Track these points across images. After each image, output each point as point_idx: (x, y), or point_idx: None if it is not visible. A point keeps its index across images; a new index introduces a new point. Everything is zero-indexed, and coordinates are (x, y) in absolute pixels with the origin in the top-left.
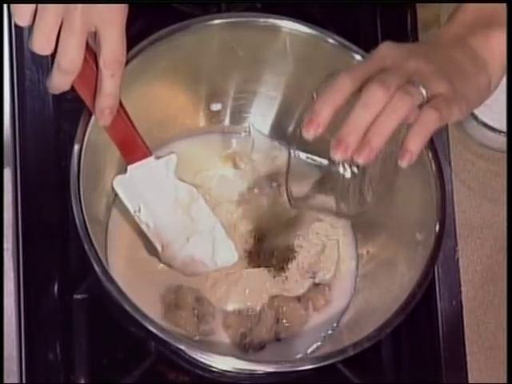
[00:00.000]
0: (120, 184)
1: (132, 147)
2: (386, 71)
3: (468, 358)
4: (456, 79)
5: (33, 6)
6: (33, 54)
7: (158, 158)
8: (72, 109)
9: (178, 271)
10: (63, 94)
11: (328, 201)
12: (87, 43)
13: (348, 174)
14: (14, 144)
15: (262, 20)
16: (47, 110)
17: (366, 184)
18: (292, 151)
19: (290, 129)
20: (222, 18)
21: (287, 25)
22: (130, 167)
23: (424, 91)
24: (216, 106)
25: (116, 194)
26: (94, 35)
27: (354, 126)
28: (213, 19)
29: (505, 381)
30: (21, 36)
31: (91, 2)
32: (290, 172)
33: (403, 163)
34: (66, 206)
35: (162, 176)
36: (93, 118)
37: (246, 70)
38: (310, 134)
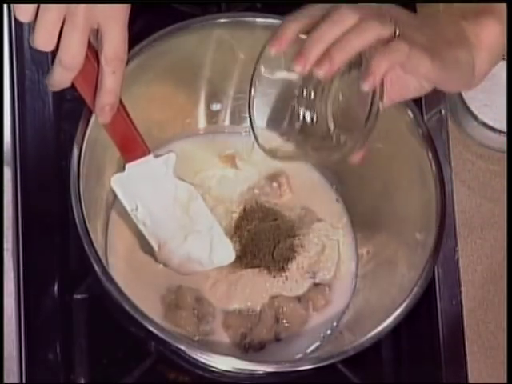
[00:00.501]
0: (118, 182)
1: (131, 145)
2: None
3: (468, 358)
4: (436, 40)
5: None
6: (33, 54)
7: (156, 156)
8: (72, 109)
9: (174, 270)
10: (63, 94)
11: (294, 147)
12: (89, 40)
13: (308, 118)
14: (13, 144)
15: (261, 20)
16: (47, 110)
17: (330, 129)
18: (253, 90)
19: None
20: (221, 18)
21: None
22: (128, 165)
23: (397, 30)
24: (216, 106)
25: (115, 194)
26: (96, 33)
27: (317, 40)
28: (213, 19)
29: (505, 381)
30: (21, 36)
31: (91, 3)
32: (253, 118)
33: (364, 86)
34: (66, 205)
35: (160, 174)
36: (93, 117)
37: (246, 70)
38: (274, 48)
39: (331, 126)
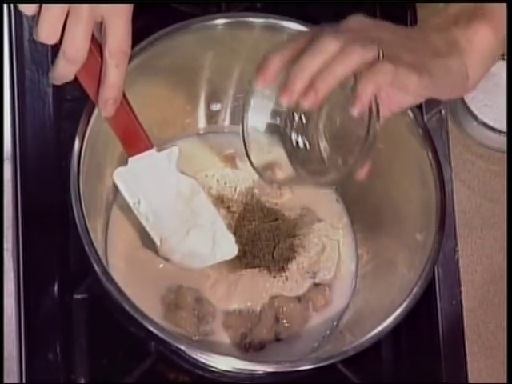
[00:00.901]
0: (120, 176)
1: (134, 139)
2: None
3: (468, 358)
4: (423, 54)
5: None
6: (33, 54)
7: (159, 150)
8: (72, 109)
9: (176, 265)
10: (63, 94)
11: (291, 172)
12: (92, 34)
13: (301, 144)
14: (14, 144)
15: (261, 20)
16: (47, 109)
17: (322, 152)
18: (244, 122)
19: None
20: (221, 18)
21: (287, 25)
22: (130, 159)
23: (381, 51)
24: (216, 106)
25: (116, 193)
26: (100, 26)
27: (301, 71)
28: (213, 19)
29: (505, 381)
30: (21, 36)
31: (94, 2)
32: (248, 146)
33: (353, 111)
34: (66, 205)
35: (163, 168)
36: (93, 117)
37: (246, 70)
38: (259, 83)
39: (323, 148)
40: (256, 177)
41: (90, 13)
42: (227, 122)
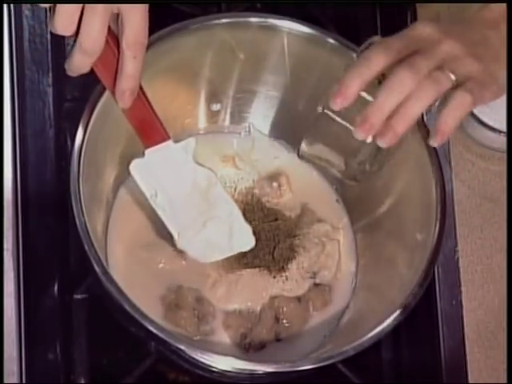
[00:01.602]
0: (137, 168)
1: (150, 131)
2: (418, 55)
3: (468, 358)
4: (489, 60)
5: None
6: (33, 54)
7: (176, 141)
8: (72, 109)
9: (193, 257)
10: (63, 94)
11: (338, 157)
12: (109, 26)
13: (370, 139)
14: (13, 144)
15: (261, 20)
16: (47, 110)
17: (376, 152)
18: (320, 108)
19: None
20: (221, 18)
21: (287, 25)
22: (147, 151)
23: (453, 77)
24: (216, 106)
25: (116, 193)
26: (116, 17)
27: (379, 108)
28: (213, 19)
29: (505, 381)
30: (21, 36)
31: (98, 3)
32: (313, 127)
33: (435, 143)
34: (65, 206)
35: (180, 160)
36: (93, 117)
37: (246, 70)
38: (337, 105)
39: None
40: (256, 177)
41: (107, 4)
42: (227, 122)
